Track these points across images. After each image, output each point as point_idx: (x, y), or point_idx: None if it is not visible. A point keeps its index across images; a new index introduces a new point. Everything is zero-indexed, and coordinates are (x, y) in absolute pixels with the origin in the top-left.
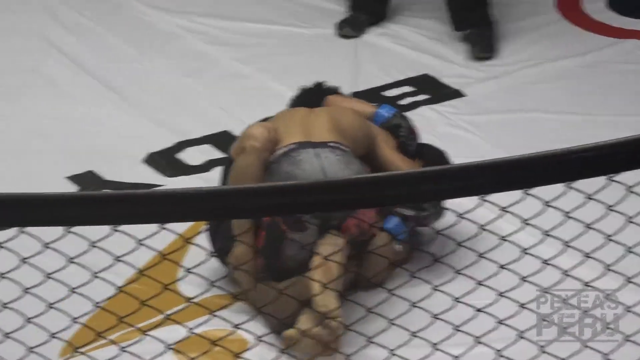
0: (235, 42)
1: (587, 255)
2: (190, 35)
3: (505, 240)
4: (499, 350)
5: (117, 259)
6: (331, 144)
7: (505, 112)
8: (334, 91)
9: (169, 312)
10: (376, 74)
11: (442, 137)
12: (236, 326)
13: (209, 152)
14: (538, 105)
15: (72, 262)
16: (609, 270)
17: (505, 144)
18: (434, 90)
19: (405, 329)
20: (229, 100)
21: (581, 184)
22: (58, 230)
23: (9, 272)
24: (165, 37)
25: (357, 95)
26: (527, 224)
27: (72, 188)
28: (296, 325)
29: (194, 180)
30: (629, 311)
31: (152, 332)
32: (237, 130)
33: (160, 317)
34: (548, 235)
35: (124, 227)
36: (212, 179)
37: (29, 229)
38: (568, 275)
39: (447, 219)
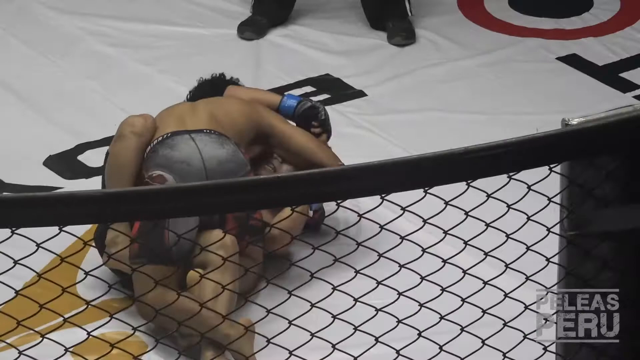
0: (136, 43)
1: (487, 254)
2: (91, 37)
3: (406, 239)
4: (398, 350)
5: (17, 262)
6: (205, 130)
7: (407, 112)
8: (234, 83)
9: (67, 315)
10: (277, 74)
11: (345, 138)
12: (135, 329)
13: None
14: (441, 104)
15: None
16: (509, 268)
17: (407, 143)
18: (336, 90)
19: (305, 329)
20: (130, 101)
21: (482, 182)
22: None
23: None
24: (67, 39)
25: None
26: (428, 223)
27: None
28: None
29: (94, 183)
30: (528, 309)
31: (50, 335)
32: None
33: (59, 320)
34: (448, 234)
35: (22, 230)
36: None
37: None
38: (468, 274)
39: (348, 218)
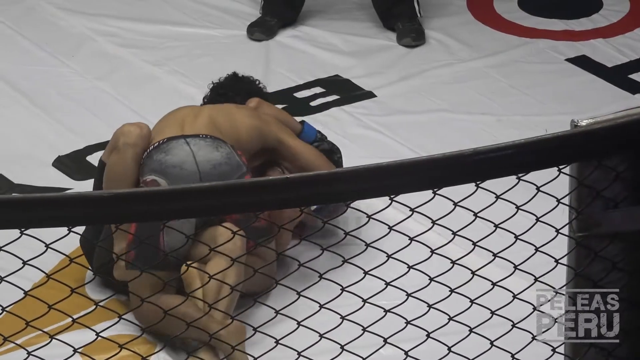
0: (146, 44)
1: (496, 255)
2: (101, 37)
3: (415, 240)
4: (407, 351)
5: (26, 262)
6: (202, 135)
7: (417, 113)
8: (254, 84)
9: (76, 315)
10: (287, 75)
11: (353, 138)
12: (144, 329)
13: None
14: (450, 105)
15: None
16: (518, 269)
17: (416, 144)
18: (345, 91)
19: (314, 330)
20: (140, 102)
21: (491, 183)
22: None
23: None
24: (76, 40)
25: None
26: (437, 224)
27: None
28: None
29: None
30: (537, 310)
31: (59, 336)
32: None
33: (67, 320)
34: (457, 235)
35: (31, 231)
36: None
37: None
38: (477, 275)
39: (357, 219)
